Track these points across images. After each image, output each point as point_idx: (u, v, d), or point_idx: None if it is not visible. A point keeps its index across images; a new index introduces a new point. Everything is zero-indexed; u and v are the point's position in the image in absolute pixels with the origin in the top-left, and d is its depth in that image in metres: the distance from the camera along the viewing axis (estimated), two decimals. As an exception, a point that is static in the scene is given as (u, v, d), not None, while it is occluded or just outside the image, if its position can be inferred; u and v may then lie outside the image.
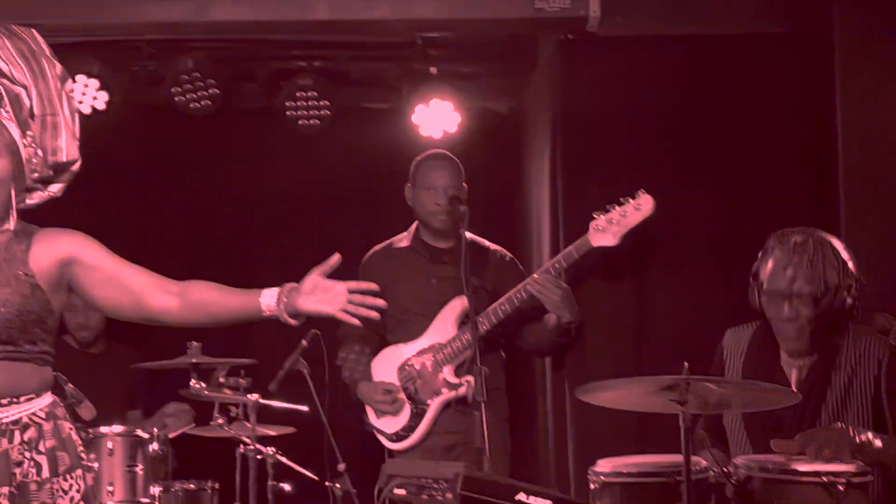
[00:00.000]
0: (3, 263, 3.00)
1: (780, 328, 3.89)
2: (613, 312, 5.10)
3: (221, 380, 4.95)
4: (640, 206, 4.75)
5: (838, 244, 3.90)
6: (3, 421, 2.95)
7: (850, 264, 3.86)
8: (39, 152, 3.08)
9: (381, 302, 3.08)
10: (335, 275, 3.09)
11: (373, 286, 3.11)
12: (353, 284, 3.08)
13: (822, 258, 3.81)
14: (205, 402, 5.05)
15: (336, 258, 3.10)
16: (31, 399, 3.00)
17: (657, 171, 5.07)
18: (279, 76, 6.15)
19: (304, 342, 5.04)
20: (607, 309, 5.10)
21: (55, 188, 3.18)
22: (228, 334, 5.67)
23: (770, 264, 3.87)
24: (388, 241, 5.24)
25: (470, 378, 4.62)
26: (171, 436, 5.17)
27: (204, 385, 4.91)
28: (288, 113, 6.02)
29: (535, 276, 4.82)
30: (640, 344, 5.05)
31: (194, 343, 5.02)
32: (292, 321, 3.05)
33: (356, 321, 3.06)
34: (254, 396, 4.96)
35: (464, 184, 5.06)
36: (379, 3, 5.17)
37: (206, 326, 3.18)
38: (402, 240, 5.19)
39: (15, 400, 2.97)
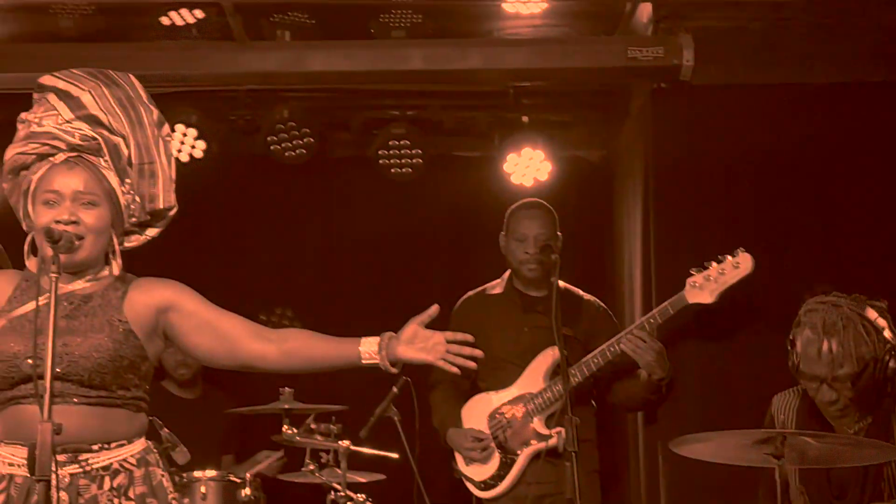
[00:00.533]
0: (98, 309, 3.04)
1: (823, 408, 3.83)
2: (706, 367, 5.03)
3: (313, 426, 4.98)
4: (739, 265, 4.70)
5: (871, 312, 3.78)
6: (94, 466, 2.97)
7: (887, 330, 3.75)
8: (137, 199, 3.13)
9: (478, 352, 3.12)
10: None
11: (469, 337, 3.14)
12: (451, 335, 3.12)
13: (853, 335, 3.70)
14: (296, 447, 5.08)
15: (434, 309, 3.15)
16: (122, 445, 3.02)
17: (752, 224, 5.01)
18: (372, 125, 6.22)
19: (394, 389, 5.06)
20: (700, 363, 5.03)
21: (152, 232, 3.22)
22: (319, 381, 5.73)
23: (803, 344, 3.78)
24: (481, 288, 5.25)
25: (560, 429, 4.59)
26: (263, 481, 5.20)
27: (296, 431, 4.94)
28: (381, 161, 6.08)
29: (631, 331, 4.79)
30: (733, 398, 4.96)
31: (286, 389, 5.06)
32: (393, 369, 3.08)
33: (455, 369, 3.11)
34: (344, 443, 4.98)
35: (558, 233, 5.05)
36: (472, 53, 5.21)
37: (302, 373, 3.21)
38: (496, 287, 5.20)
39: (106, 446, 2.99)
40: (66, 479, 2.91)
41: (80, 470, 2.94)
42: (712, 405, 4.97)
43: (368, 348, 3.08)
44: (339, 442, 4.98)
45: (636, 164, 5.56)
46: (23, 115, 3.14)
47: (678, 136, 5.19)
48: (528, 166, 5.91)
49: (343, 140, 6.40)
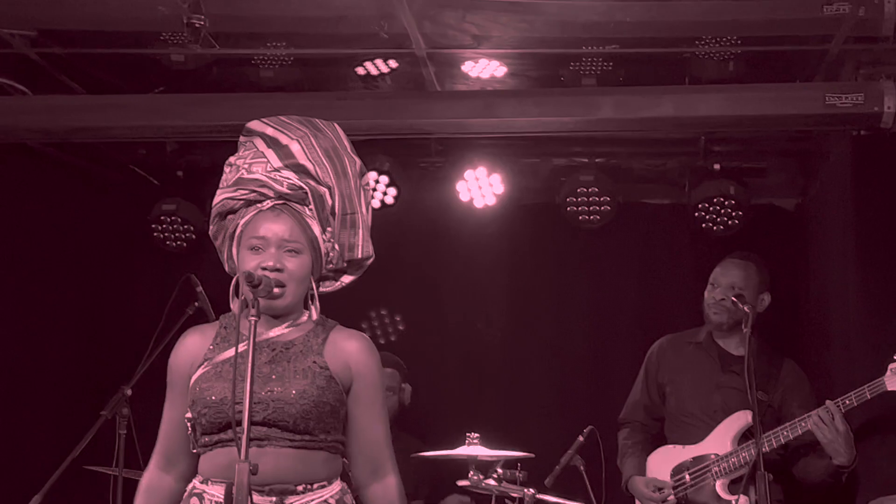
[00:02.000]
0: (301, 356, 3.11)
1: None
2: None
3: (499, 472, 4.97)
4: None
5: None
6: None
7: None
8: (336, 247, 3.20)
9: None
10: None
11: None
12: None
13: None
14: (482, 493, 5.08)
15: None
16: (323, 486, 3.08)
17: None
18: (561, 172, 6.22)
19: (580, 438, 5.03)
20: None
21: (347, 279, 3.29)
22: (506, 427, 5.74)
23: None
24: (683, 332, 5.20)
25: (743, 498, 4.51)
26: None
27: (482, 477, 4.94)
28: (569, 209, 6.07)
29: (819, 412, 4.63)
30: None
31: (474, 435, 5.07)
32: None
33: None
34: (530, 490, 4.95)
35: (763, 294, 4.94)
36: (663, 101, 5.16)
37: None
38: (697, 335, 5.14)
39: (309, 487, 3.05)
40: None
41: None
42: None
43: None
44: (525, 489, 4.96)
45: (834, 213, 5.40)
46: (230, 160, 3.24)
47: (881, 186, 5.01)
48: (719, 214, 5.80)
49: (531, 187, 6.42)
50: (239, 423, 2.81)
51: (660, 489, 4.95)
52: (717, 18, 4.88)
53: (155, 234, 6.30)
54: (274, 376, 3.04)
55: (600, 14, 4.79)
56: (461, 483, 5.12)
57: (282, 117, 3.26)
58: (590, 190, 6.04)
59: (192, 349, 3.14)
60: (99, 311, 6.38)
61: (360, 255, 3.24)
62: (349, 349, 3.14)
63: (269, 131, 3.22)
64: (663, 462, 5.02)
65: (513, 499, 5.00)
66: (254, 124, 3.26)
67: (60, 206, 6.20)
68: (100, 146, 6.12)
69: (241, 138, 3.28)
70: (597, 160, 6.14)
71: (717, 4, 4.81)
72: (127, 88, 5.62)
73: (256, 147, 3.20)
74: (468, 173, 6.09)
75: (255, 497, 2.91)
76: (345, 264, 3.24)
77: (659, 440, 5.14)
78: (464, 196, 6.14)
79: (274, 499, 2.98)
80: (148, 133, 5.50)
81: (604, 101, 5.23)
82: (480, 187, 6.12)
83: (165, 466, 3.17)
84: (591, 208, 6.08)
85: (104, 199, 6.45)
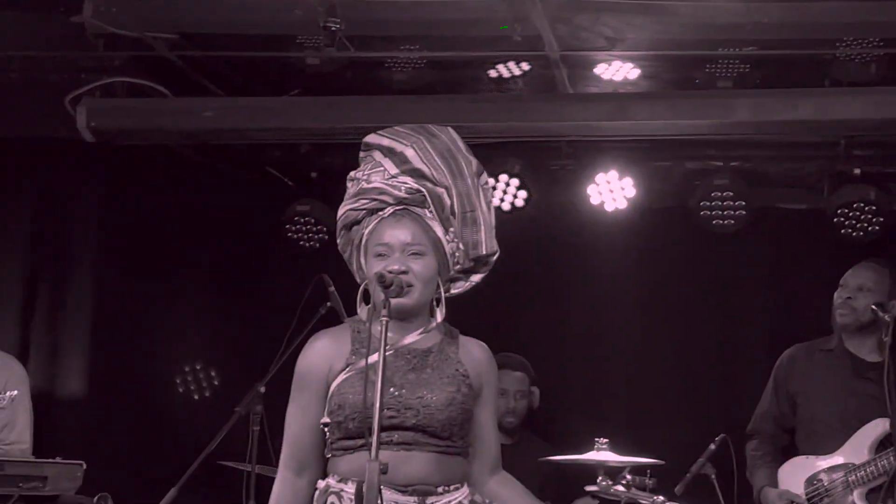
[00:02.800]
0: (442, 363, 3.16)
1: None
2: None
3: (628, 478, 4.93)
4: None
5: None
6: None
7: None
8: (461, 246, 3.22)
9: None
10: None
11: None
12: None
13: None
14: (611, 499, 5.04)
15: None
16: (457, 488, 3.13)
17: None
18: (695, 175, 6.14)
19: (712, 446, 4.96)
20: None
21: (476, 278, 3.31)
22: (636, 433, 5.68)
23: None
24: (813, 340, 5.10)
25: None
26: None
27: (611, 482, 4.90)
28: (702, 213, 5.99)
29: None
30: None
31: (603, 440, 5.04)
32: None
33: None
34: (659, 498, 4.89)
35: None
36: (802, 104, 5.06)
37: None
38: (828, 342, 5.03)
39: (446, 488, 3.10)
40: None
41: None
42: None
43: None
44: (654, 496, 4.90)
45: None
46: (351, 174, 3.30)
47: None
48: (859, 220, 5.66)
49: (663, 190, 6.35)
50: (388, 428, 2.94)
51: (794, 502, 4.85)
52: (859, 19, 4.77)
53: (289, 234, 6.40)
54: (422, 383, 3.09)
55: (737, 15, 4.72)
56: (589, 488, 5.09)
57: (396, 127, 3.30)
58: (724, 194, 5.95)
59: (327, 353, 3.16)
60: (233, 309, 6.51)
61: (484, 252, 3.25)
62: (479, 357, 3.22)
63: (385, 142, 3.26)
64: (795, 473, 4.93)
65: (642, 505, 4.95)
66: (371, 138, 3.32)
67: (197, 206, 6.34)
68: (236, 147, 6.25)
69: (361, 153, 3.33)
70: (731, 164, 6.04)
71: (858, 5, 4.71)
72: (263, 91, 5.72)
73: (375, 159, 3.25)
74: (599, 176, 6.05)
75: (398, 496, 3.00)
76: (471, 263, 3.26)
77: (788, 452, 5.02)
78: (594, 199, 6.10)
79: (416, 499, 3.03)
80: (283, 135, 5.60)
81: (740, 103, 5.16)
82: (612, 190, 6.07)
83: (298, 471, 3.19)
84: (724, 213, 5.98)
85: (239, 200, 6.58)
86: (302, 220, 6.36)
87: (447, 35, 5.12)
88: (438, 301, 3.18)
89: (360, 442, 3.04)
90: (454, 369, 3.14)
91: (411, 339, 3.15)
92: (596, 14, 4.80)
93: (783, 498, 4.89)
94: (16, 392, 4.72)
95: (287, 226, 6.38)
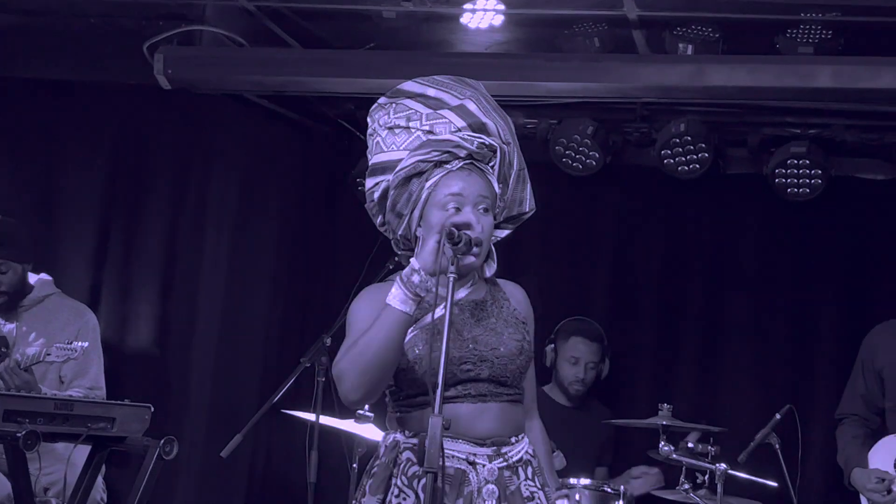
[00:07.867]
0: (501, 312, 3.14)
1: None
2: None
3: (690, 444, 4.91)
4: None
5: None
6: (512, 459, 3.07)
7: None
8: (500, 203, 3.18)
9: None
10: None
11: None
12: None
13: None
14: (671, 465, 5.02)
15: None
16: (523, 437, 3.15)
17: None
18: (771, 143, 6.04)
19: (777, 415, 4.91)
20: None
21: (502, 234, 3.26)
22: (700, 400, 5.64)
23: None
24: None
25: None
26: (635, 495, 5.17)
27: (672, 448, 4.88)
28: (777, 181, 5.91)
29: None
30: None
31: (666, 405, 5.01)
32: None
33: None
34: (722, 466, 4.87)
35: None
36: (885, 72, 4.94)
37: None
38: None
39: (517, 437, 3.11)
40: (495, 473, 3.04)
41: (505, 464, 3.06)
42: None
43: None
44: (717, 464, 4.88)
45: None
46: (383, 121, 3.24)
47: None
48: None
49: (739, 157, 6.26)
50: (465, 381, 2.98)
51: (882, 479, 4.75)
52: (949, -14, 4.65)
53: (359, 187, 6.40)
54: (490, 334, 3.08)
55: (821, -21, 4.62)
56: (651, 454, 5.08)
57: (435, 77, 3.25)
58: (801, 162, 5.85)
59: (380, 307, 3.00)
60: (302, 262, 6.55)
61: (527, 209, 3.26)
62: (520, 298, 3.24)
63: (431, 92, 3.20)
64: (886, 452, 4.83)
65: (703, 472, 4.93)
66: (409, 85, 3.24)
67: (269, 156, 6.37)
68: (310, 99, 6.26)
69: (383, 100, 3.26)
70: (810, 131, 5.94)
71: (950, -29, 4.58)
72: (339, 44, 5.72)
73: (415, 108, 3.17)
74: (673, 141, 5.97)
75: (475, 448, 3.01)
76: (502, 220, 3.22)
77: (878, 436, 4.93)
78: (668, 163, 6.02)
79: (492, 450, 3.04)
80: (358, 88, 5.59)
81: (821, 70, 5.04)
82: (686, 155, 5.98)
83: None
84: (800, 181, 5.89)
85: (311, 152, 6.60)
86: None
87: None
88: (490, 254, 3.16)
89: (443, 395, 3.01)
90: (513, 317, 3.14)
91: (464, 292, 3.14)
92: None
93: (871, 477, 4.79)
94: (87, 343, 4.82)
95: (358, 179, 6.39)
